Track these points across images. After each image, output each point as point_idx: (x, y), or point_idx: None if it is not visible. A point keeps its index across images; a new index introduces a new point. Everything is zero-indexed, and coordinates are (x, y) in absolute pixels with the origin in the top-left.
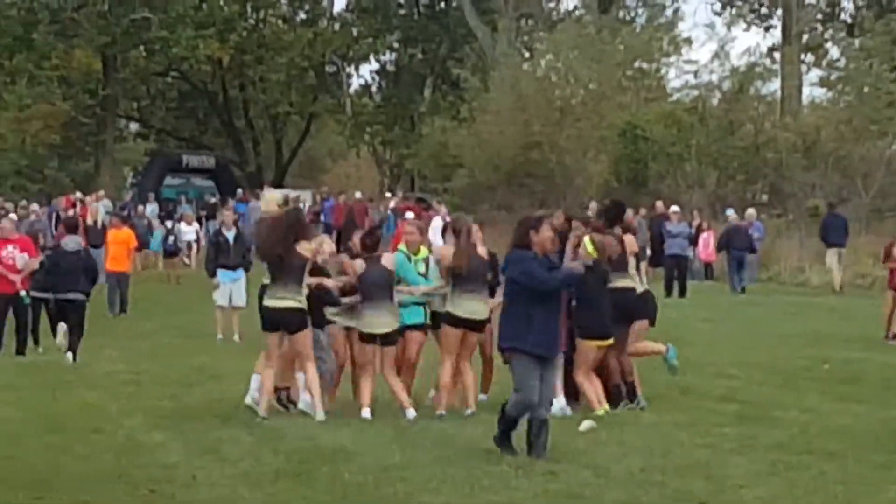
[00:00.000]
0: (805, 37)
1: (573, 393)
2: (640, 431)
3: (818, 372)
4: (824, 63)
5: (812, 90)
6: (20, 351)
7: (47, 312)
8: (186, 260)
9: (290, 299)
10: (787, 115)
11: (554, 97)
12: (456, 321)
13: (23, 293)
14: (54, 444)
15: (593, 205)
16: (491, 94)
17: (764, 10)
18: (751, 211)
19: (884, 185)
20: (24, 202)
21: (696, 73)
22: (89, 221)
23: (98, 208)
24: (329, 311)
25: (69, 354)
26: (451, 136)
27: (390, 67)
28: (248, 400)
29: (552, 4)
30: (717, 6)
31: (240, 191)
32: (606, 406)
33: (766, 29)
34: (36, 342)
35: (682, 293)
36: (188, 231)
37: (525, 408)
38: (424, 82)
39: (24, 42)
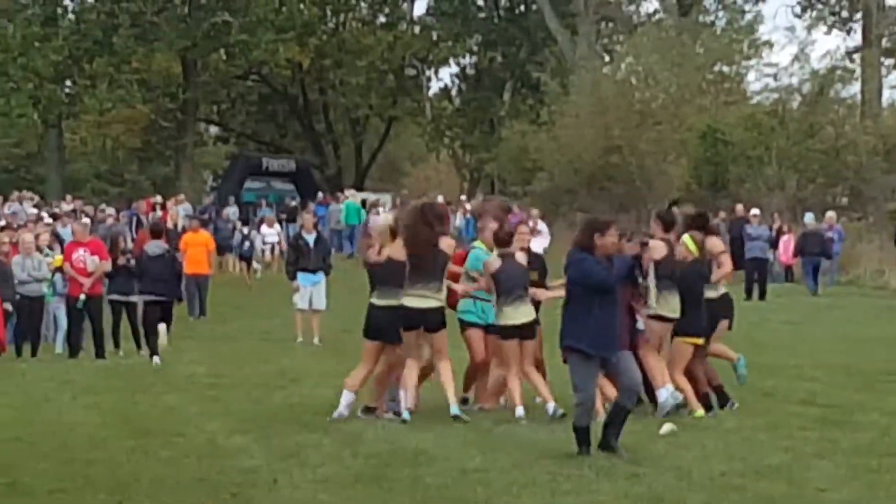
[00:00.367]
0: (885, 40)
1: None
2: (721, 435)
3: None
4: None
5: (892, 93)
6: (99, 354)
7: (128, 317)
8: (256, 264)
9: (432, 298)
10: (868, 118)
11: (634, 100)
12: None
13: (82, 297)
14: (135, 448)
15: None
16: (571, 97)
17: (844, 13)
18: (831, 214)
19: None
20: (103, 206)
21: (776, 76)
22: (170, 225)
23: (178, 212)
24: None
25: (156, 358)
26: (531, 140)
27: (470, 71)
28: (335, 415)
29: (632, 7)
30: (798, 9)
31: (320, 194)
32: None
33: (847, 32)
34: (116, 345)
35: (762, 296)
36: (270, 234)
37: (588, 408)
38: (504, 86)
39: (105, 46)
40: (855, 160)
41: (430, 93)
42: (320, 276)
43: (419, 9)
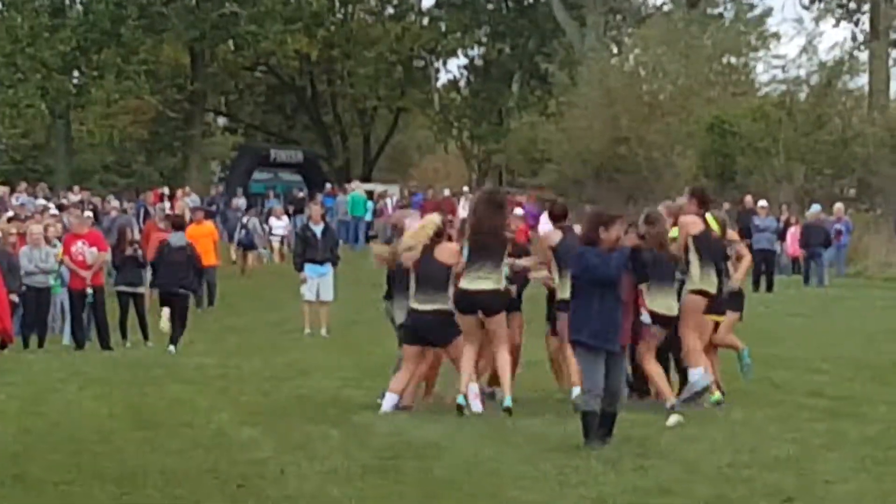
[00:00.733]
0: (892, 32)
1: (640, 386)
2: (729, 427)
3: None
4: None
5: None
6: (104, 345)
7: (136, 308)
8: (263, 250)
9: (490, 280)
10: (875, 109)
11: (642, 92)
12: None
13: (89, 291)
14: (144, 439)
15: (680, 199)
16: (579, 88)
17: (852, 5)
18: (839, 205)
19: None
20: (109, 197)
21: (783, 68)
22: None
23: (186, 203)
24: None
25: (171, 347)
26: (539, 131)
27: (478, 62)
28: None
29: None
30: (806, 1)
31: (328, 185)
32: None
33: (855, 24)
34: (124, 336)
35: (769, 288)
36: (278, 225)
37: (594, 397)
38: (512, 77)
39: (113, 37)
40: (863, 152)
41: (439, 84)
42: (328, 267)
43: (427, 0)
